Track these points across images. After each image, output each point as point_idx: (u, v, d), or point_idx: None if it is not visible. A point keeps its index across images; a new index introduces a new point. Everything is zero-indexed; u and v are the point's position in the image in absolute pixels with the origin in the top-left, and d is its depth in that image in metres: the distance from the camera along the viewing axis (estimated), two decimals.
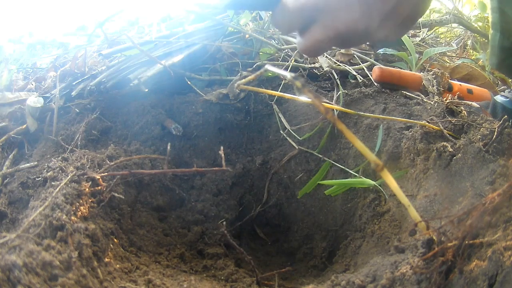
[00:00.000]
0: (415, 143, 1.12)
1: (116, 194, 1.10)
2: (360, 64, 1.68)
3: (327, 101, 1.47)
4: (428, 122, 1.12)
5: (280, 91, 1.50)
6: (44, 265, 0.73)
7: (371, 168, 1.27)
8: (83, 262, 0.82)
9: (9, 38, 2.51)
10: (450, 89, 1.38)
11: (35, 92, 1.60)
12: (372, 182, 1.14)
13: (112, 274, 0.89)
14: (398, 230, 1.08)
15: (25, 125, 1.41)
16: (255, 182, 1.58)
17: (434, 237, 0.76)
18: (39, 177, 1.13)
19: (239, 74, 1.62)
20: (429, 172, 1.04)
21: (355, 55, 1.76)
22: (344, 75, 1.65)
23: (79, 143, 1.31)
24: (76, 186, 0.98)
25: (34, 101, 1.43)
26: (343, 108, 1.31)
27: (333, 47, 1.13)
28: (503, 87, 1.72)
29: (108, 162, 1.16)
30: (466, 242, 0.70)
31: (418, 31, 2.26)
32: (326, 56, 1.73)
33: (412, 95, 1.43)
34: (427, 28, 2.21)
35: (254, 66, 1.66)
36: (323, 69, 1.64)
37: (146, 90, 1.44)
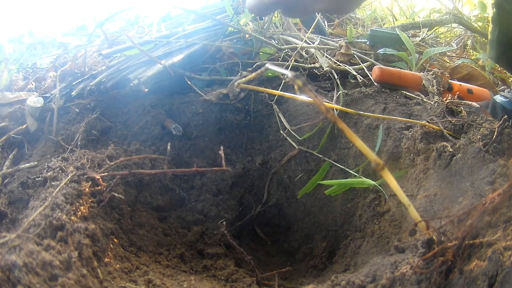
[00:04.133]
0: (415, 143, 1.12)
1: (116, 194, 1.10)
2: (360, 64, 1.68)
3: (327, 101, 1.47)
4: (428, 122, 1.12)
5: (280, 91, 1.50)
6: (44, 265, 0.73)
7: (371, 168, 1.27)
8: (83, 262, 0.82)
9: (9, 38, 2.51)
10: (450, 89, 1.38)
11: (35, 92, 1.60)
12: (372, 182, 1.14)
13: (112, 274, 0.89)
14: (398, 230, 1.08)
15: (25, 125, 1.41)
16: (255, 182, 1.58)
17: (434, 237, 0.76)
18: (39, 177, 1.13)
19: (239, 74, 1.62)
20: (429, 172, 1.04)
21: (355, 55, 1.76)
22: (344, 75, 1.65)
23: (79, 143, 1.31)
24: (76, 186, 0.98)
25: (34, 101, 1.43)
26: (343, 108, 1.31)
27: (280, 12, 1.26)
28: (503, 87, 1.72)
29: (108, 162, 1.16)
30: (466, 242, 0.70)
31: (418, 31, 2.26)
32: (326, 56, 1.73)
33: (412, 95, 1.43)
34: (427, 28, 2.21)
35: (254, 66, 1.66)
36: (323, 69, 1.64)
37: (146, 90, 1.44)
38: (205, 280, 1.05)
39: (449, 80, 1.40)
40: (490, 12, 1.14)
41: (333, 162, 1.41)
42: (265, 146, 1.60)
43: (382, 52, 1.77)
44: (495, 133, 0.96)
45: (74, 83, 1.52)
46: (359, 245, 1.19)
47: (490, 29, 1.17)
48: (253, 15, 1.81)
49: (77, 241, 0.84)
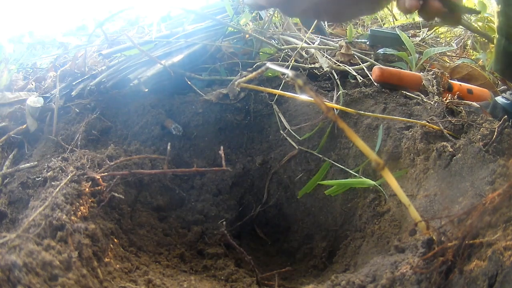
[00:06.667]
0: (415, 143, 1.12)
1: (116, 194, 1.10)
2: (360, 64, 1.68)
3: (327, 101, 1.47)
4: (428, 122, 1.12)
5: (280, 91, 1.50)
6: (44, 265, 0.73)
7: (371, 168, 1.27)
8: (83, 262, 0.82)
9: (9, 38, 2.51)
10: (450, 89, 1.38)
11: (35, 92, 1.60)
12: (372, 182, 1.14)
13: (112, 274, 0.89)
14: (398, 230, 1.08)
15: (25, 125, 1.41)
16: (255, 182, 1.58)
17: (434, 237, 0.76)
18: (39, 177, 1.13)
19: (239, 74, 1.62)
20: (429, 172, 1.04)
21: (355, 55, 1.76)
22: (344, 75, 1.65)
23: (79, 143, 1.31)
24: (76, 186, 0.98)
25: (34, 101, 1.43)
26: (343, 108, 1.31)
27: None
28: (503, 87, 1.72)
29: (108, 162, 1.16)
30: (466, 242, 0.70)
31: (418, 31, 2.26)
32: (326, 56, 1.73)
33: (412, 95, 1.43)
34: (427, 28, 2.21)
35: (254, 66, 1.66)
36: (323, 69, 1.64)
37: (146, 90, 1.44)
38: (205, 280, 1.05)
39: (449, 80, 1.40)
40: (496, 21, 1.10)
41: (333, 162, 1.41)
42: (265, 146, 1.60)
43: (382, 52, 1.77)
44: (495, 133, 0.96)
45: (74, 83, 1.52)
46: (359, 245, 1.19)
47: (495, 40, 1.12)
48: (253, 14, 1.81)
49: (77, 241, 0.84)
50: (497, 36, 1.10)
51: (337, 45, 1.79)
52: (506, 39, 1.07)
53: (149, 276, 0.94)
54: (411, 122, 1.21)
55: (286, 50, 1.77)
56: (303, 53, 1.79)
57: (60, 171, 1.04)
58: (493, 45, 1.14)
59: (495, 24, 1.10)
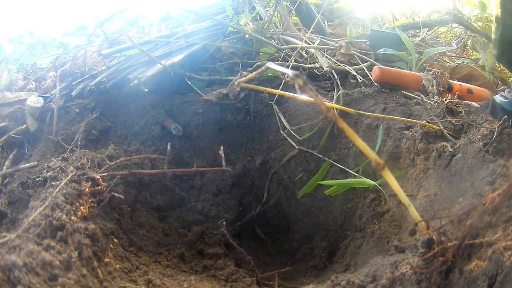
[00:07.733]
0: (415, 143, 1.12)
1: (116, 194, 1.10)
2: (360, 64, 1.68)
3: (328, 101, 1.47)
4: (428, 122, 1.12)
5: (280, 91, 1.50)
6: (44, 265, 0.73)
7: (371, 168, 1.27)
8: (83, 262, 0.82)
9: (9, 38, 2.51)
10: (450, 89, 1.38)
11: (35, 92, 1.60)
12: (372, 182, 1.14)
13: (112, 274, 0.90)
14: (398, 230, 1.08)
15: (25, 125, 1.41)
16: (255, 182, 1.58)
17: (434, 237, 0.76)
18: (39, 177, 1.13)
19: (239, 74, 1.62)
20: (429, 172, 1.04)
21: (355, 55, 1.76)
22: (344, 75, 1.65)
23: (79, 143, 1.31)
24: (76, 186, 0.98)
25: (34, 101, 1.43)
26: (343, 107, 1.31)
27: None
28: (503, 87, 1.72)
29: (108, 162, 1.16)
30: (466, 242, 0.70)
31: (418, 31, 2.26)
32: (326, 56, 1.73)
33: (412, 95, 1.43)
34: (427, 28, 2.21)
35: (254, 66, 1.66)
36: (323, 69, 1.64)
37: (146, 90, 1.44)
38: (205, 280, 1.05)
39: (449, 80, 1.40)
40: (494, 11, 1.15)
41: (333, 162, 1.41)
42: (265, 146, 1.60)
43: (382, 52, 1.77)
44: (495, 133, 0.96)
45: (74, 83, 1.52)
46: (359, 245, 1.19)
47: (493, 28, 1.18)
48: (253, 14, 1.81)
49: (77, 241, 0.84)
50: (495, 25, 1.17)
51: (337, 45, 1.79)
52: (502, 28, 1.13)
53: (149, 276, 0.94)
54: (411, 122, 1.21)
55: (286, 50, 1.77)
56: (303, 53, 1.79)
57: (60, 171, 1.04)
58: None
59: (494, 14, 1.15)
